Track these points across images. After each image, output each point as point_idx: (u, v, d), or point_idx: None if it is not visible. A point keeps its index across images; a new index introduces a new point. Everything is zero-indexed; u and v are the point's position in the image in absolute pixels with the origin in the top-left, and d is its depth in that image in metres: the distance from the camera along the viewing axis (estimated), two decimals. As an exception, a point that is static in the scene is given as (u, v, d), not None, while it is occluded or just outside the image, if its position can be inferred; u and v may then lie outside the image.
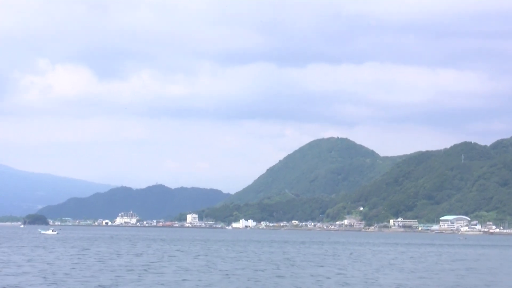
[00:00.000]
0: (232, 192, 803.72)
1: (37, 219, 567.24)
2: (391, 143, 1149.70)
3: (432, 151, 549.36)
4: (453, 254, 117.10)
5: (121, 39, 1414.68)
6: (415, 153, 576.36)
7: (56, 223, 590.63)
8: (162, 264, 72.35)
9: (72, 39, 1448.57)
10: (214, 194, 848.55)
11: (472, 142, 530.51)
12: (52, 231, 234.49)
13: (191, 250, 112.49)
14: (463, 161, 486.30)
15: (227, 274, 60.40)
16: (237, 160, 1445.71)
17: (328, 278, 59.48)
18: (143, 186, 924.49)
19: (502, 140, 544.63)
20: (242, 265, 73.17)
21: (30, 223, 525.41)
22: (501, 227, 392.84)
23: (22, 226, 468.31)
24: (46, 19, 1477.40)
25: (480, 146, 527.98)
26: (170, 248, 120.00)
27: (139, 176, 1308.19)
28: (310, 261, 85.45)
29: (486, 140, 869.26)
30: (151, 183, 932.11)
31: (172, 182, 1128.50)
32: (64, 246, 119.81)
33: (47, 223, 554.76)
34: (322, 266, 75.47)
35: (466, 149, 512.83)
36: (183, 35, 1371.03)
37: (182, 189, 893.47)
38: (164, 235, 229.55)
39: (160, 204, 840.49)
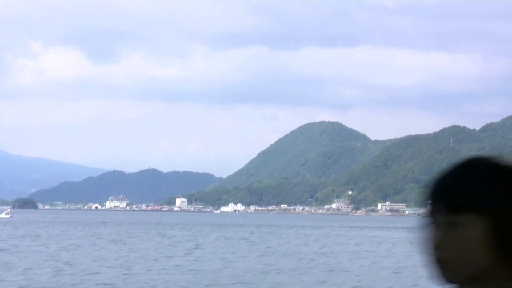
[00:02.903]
0: (225, 176, 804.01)
1: (26, 203, 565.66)
2: (383, 127, 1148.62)
3: (421, 135, 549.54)
4: (360, 237, 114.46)
5: (113, 21, 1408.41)
6: (405, 136, 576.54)
7: (46, 207, 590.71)
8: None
9: (65, 21, 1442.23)
10: (206, 177, 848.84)
11: (461, 126, 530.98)
12: (6, 214, 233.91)
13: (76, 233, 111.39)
14: (451, 144, 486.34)
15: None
16: (230, 144, 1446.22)
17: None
18: (136, 169, 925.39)
19: (492, 123, 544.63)
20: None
21: (19, 207, 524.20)
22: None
23: (8, 209, 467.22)
24: (38, 1, 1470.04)
25: (469, 129, 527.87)
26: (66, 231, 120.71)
27: (132, 159, 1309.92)
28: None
29: (479, 123, 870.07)
30: (144, 166, 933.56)
31: (165, 165, 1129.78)
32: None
33: (36, 207, 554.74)
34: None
35: (455, 132, 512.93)
36: (177, 17, 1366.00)
37: (174, 173, 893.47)
38: (117, 219, 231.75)
39: (153, 187, 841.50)
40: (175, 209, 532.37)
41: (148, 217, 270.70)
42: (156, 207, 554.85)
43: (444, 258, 2.56)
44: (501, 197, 2.70)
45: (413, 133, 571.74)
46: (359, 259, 64.14)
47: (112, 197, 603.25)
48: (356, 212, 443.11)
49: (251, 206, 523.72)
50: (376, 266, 57.19)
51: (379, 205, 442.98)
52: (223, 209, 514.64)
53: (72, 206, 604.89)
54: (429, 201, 2.52)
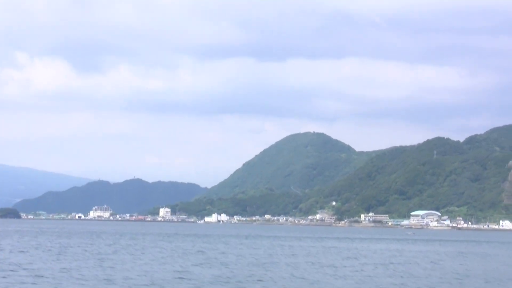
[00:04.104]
0: (210, 186, 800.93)
1: (9, 213, 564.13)
2: (369, 139, 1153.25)
3: (405, 146, 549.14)
4: (318, 248, 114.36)
5: (100, 33, 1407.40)
6: (389, 148, 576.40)
7: (30, 217, 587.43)
8: None
9: (51, 33, 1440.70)
10: (192, 188, 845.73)
11: (445, 138, 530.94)
12: None
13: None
14: (435, 156, 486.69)
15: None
16: (216, 155, 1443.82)
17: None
18: (121, 180, 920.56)
19: (476, 135, 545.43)
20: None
21: (2, 216, 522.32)
22: (469, 223, 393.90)
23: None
24: (25, 12, 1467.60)
25: (452, 141, 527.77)
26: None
27: (118, 170, 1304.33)
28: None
29: (464, 135, 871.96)
30: (129, 177, 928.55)
31: (150, 176, 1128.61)
32: None
33: (19, 217, 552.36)
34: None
35: (439, 144, 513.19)
36: (163, 30, 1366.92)
37: (159, 183, 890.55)
38: (86, 228, 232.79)
39: (137, 198, 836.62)
40: (159, 219, 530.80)
41: (122, 228, 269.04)
42: (140, 217, 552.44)
43: None
44: None
45: (398, 144, 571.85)
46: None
47: (96, 207, 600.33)
48: (339, 223, 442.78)
49: (234, 217, 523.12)
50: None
51: (362, 216, 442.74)
52: (207, 219, 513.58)
53: (56, 216, 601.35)
54: None
